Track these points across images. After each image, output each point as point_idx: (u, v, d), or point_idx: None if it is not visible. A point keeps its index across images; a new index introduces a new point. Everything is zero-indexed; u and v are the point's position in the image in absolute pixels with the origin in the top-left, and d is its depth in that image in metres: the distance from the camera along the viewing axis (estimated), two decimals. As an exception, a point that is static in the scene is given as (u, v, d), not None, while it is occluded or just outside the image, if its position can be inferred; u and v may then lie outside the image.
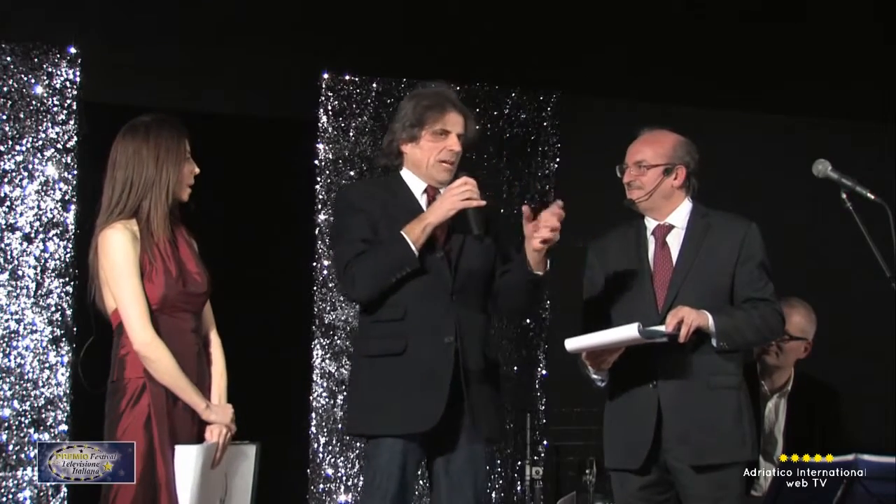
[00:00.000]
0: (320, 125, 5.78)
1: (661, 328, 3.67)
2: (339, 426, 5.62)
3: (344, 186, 5.39)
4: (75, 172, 5.31)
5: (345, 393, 5.61)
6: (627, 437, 3.85)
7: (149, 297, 3.42)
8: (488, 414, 3.74)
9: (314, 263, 5.72)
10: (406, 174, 3.83)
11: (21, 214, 5.27)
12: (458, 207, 3.63)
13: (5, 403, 5.19)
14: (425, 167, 3.78)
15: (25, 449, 5.18)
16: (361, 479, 5.57)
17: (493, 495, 5.79)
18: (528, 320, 5.98)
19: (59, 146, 5.32)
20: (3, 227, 5.24)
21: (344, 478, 5.64)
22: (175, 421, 3.43)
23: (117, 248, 3.41)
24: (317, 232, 5.72)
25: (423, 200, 3.79)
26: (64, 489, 5.15)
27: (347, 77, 5.82)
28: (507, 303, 3.86)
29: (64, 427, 5.21)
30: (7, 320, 5.23)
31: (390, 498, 3.63)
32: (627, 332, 3.63)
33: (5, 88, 5.30)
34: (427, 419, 3.62)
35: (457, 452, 3.72)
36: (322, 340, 5.69)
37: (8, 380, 5.20)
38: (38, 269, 5.27)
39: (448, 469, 3.74)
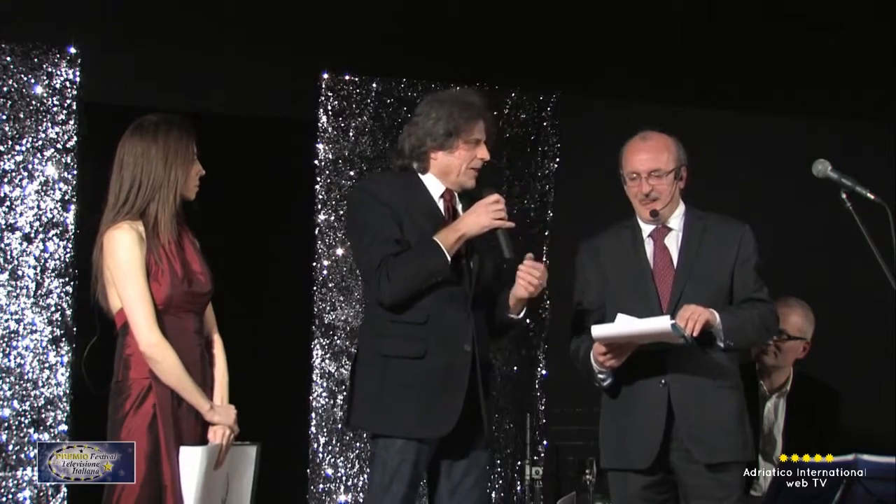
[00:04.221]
0: (320, 125, 5.77)
1: (682, 327, 3.65)
2: (339, 426, 5.61)
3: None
4: (75, 172, 5.30)
5: (345, 393, 5.60)
6: (634, 436, 3.83)
7: (154, 297, 3.41)
8: (491, 421, 3.85)
9: (314, 263, 5.71)
10: (427, 177, 3.83)
11: (21, 214, 5.26)
12: (493, 226, 3.69)
13: (5, 403, 5.18)
14: (456, 174, 3.80)
15: (25, 449, 5.17)
16: (362, 478, 5.57)
17: (493, 495, 5.78)
18: (527, 320, 5.96)
19: (59, 146, 5.30)
20: (3, 227, 5.23)
21: (344, 478, 5.64)
22: (180, 422, 3.42)
23: (124, 249, 3.40)
24: (317, 232, 5.71)
25: (440, 204, 3.81)
26: (64, 489, 5.14)
27: (347, 77, 5.81)
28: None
29: (64, 427, 5.20)
30: (7, 320, 5.22)
31: (399, 499, 3.66)
32: (658, 323, 3.62)
33: (5, 88, 5.29)
34: (444, 425, 3.66)
35: (462, 458, 3.77)
36: (322, 340, 5.68)
37: (8, 380, 5.19)
38: (38, 269, 5.26)
39: (451, 473, 3.78)
